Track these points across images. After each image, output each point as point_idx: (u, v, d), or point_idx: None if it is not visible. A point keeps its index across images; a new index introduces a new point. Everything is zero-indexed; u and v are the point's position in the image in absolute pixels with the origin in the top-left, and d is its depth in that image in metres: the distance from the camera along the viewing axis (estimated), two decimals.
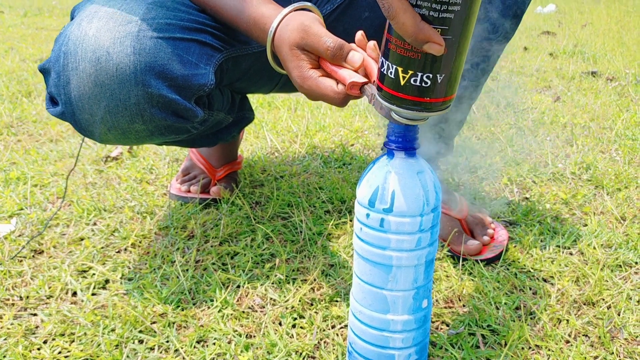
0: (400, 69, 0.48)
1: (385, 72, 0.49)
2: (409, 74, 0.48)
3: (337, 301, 0.78)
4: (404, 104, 0.49)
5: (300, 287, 0.81)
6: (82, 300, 0.78)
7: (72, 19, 0.73)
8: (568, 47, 2.85)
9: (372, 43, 0.60)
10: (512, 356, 0.68)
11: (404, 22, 0.43)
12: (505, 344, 0.70)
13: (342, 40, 0.60)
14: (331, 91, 0.60)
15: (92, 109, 0.67)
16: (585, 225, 1.02)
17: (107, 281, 0.83)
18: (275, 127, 1.55)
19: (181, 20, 0.71)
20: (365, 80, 0.58)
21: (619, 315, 0.76)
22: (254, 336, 0.72)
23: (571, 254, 0.92)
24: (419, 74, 0.47)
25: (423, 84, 0.48)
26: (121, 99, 0.66)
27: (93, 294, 0.80)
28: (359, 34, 0.62)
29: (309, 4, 0.67)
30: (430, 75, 0.47)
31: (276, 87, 0.99)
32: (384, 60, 0.49)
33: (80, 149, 1.02)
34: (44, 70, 0.69)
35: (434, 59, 0.47)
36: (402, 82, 0.48)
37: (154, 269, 0.85)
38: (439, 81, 0.48)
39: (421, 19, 0.44)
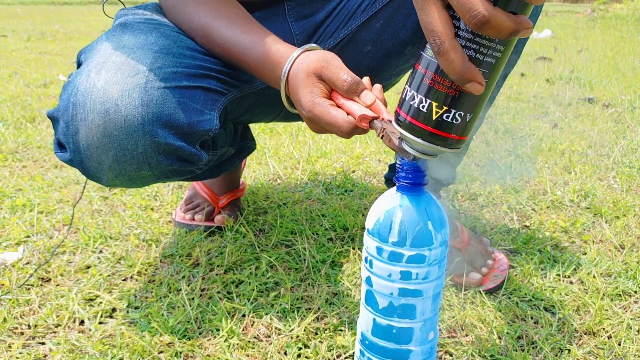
0: (435, 104, 0.49)
1: (416, 105, 0.50)
2: (443, 110, 0.49)
3: (341, 330, 0.79)
4: (431, 137, 0.50)
5: (304, 316, 0.82)
6: (90, 329, 0.79)
7: (78, 63, 0.74)
8: (564, 73, 2.90)
9: (379, 86, 0.63)
10: None
11: (453, 59, 0.45)
12: None
13: (359, 78, 0.63)
14: (341, 119, 0.62)
15: (100, 158, 0.68)
16: (585, 253, 1.03)
17: (114, 310, 0.84)
18: (278, 154, 1.57)
19: (187, 67, 0.72)
20: (375, 115, 0.60)
21: (619, 345, 0.77)
22: None
23: (571, 282, 0.93)
24: (453, 111, 0.49)
25: (454, 121, 0.49)
26: (129, 148, 0.68)
27: (100, 323, 0.81)
28: (366, 79, 0.65)
29: (315, 45, 0.70)
30: (462, 114, 0.49)
31: (278, 117, 1.01)
32: (415, 94, 0.50)
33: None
34: (53, 118, 0.70)
35: (470, 99, 0.49)
36: (434, 117, 0.49)
37: (160, 298, 0.86)
38: (468, 120, 0.50)
39: (468, 59, 0.46)
